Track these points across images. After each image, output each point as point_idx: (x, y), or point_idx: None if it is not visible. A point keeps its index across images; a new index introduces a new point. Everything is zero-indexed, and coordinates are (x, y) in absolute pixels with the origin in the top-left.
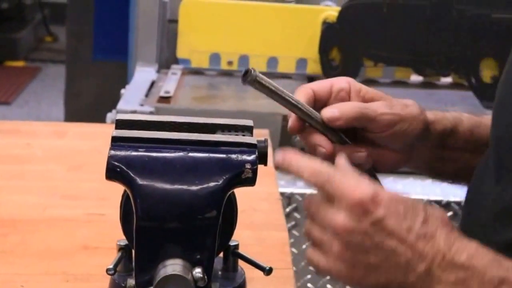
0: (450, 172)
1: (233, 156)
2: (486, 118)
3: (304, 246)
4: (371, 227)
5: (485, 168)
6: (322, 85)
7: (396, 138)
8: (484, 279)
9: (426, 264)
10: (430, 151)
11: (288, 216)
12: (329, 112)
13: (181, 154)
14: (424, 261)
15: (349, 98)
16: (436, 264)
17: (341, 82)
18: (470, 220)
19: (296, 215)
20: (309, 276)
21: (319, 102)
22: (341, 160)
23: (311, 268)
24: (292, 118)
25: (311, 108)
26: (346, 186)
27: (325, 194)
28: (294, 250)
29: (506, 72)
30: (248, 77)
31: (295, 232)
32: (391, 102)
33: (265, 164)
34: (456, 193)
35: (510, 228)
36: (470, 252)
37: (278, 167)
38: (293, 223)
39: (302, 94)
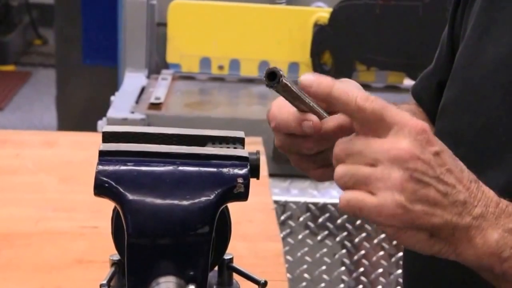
0: None
1: (225, 170)
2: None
3: (299, 254)
4: (434, 157)
5: None
6: None
7: None
8: None
9: (481, 208)
10: None
11: (282, 224)
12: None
13: (171, 168)
14: (479, 205)
15: None
16: (491, 210)
17: None
18: None
19: (291, 222)
20: (304, 284)
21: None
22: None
23: (306, 275)
24: (314, 117)
25: (324, 111)
26: (403, 115)
27: (377, 128)
28: (289, 257)
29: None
30: (275, 83)
31: (290, 240)
32: None
33: (257, 177)
34: None
35: None
36: None
37: (305, 87)
38: (288, 231)
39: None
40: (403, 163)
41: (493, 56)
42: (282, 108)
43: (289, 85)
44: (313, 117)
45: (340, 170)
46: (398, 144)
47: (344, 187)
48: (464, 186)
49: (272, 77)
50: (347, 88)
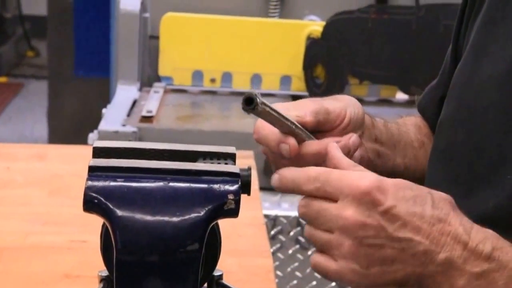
0: (388, 170)
1: (215, 186)
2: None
3: (289, 269)
4: (382, 217)
5: (450, 181)
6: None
7: (351, 127)
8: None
9: (446, 253)
10: (371, 144)
11: (273, 238)
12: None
13: (161, 184)
14: (443, 250)
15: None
16: (457, 254)
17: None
18: None
19: (281, 237)
20: None
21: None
22: (333, 149)
23: None
24: (292, 141)
25: (308, 133)
26: (348, 179)
27: (326, 194)
28: (279, 273)
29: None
30: (252, 107)
31: (280, 255)
32: (323, 99)
33: (248, 193)
34: None
35: None
36: (494, 242)
37: (277, 189)
38: (278, 245)
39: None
40: (351, 233)
41: (489, 73)
42: (265, 124)
43: (268, 110)
44: (291, 141)
45: (306, 232)
46: (344, 213)
47: (316, 248)
48: (424, 235)
49: (249, 102)
50: (294, 176)
